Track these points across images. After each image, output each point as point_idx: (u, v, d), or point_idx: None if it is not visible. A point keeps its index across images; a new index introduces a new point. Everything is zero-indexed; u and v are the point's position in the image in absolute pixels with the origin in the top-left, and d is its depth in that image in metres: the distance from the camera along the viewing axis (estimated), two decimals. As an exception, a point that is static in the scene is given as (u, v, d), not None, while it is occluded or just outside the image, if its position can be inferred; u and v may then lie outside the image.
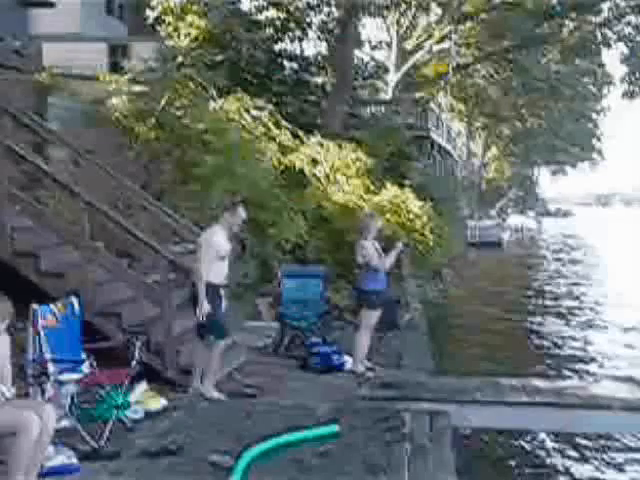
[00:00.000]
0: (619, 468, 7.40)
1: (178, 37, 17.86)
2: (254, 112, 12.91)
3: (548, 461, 7.58)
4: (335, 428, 5.86)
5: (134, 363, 5.91)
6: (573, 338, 14.26)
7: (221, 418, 6.25)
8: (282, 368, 8.17)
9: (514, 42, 29.28)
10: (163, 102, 11.34)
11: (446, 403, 6.75)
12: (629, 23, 27.66)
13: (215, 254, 6.74)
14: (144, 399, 6.32)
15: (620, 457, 7.60)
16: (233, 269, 7.31)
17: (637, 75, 30.79)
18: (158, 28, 18.68)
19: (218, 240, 6.82)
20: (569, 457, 7.66)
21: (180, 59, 14.76)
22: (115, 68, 14.65)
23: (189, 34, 17.97)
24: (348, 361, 8.12)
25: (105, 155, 9.66)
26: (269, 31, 20.48)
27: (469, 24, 31.83)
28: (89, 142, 9.66)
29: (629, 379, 8.11)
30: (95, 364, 5.66)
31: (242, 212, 6.98)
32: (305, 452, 5.35)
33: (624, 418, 6.55)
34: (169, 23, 18.44)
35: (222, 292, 6.91)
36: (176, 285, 7.34)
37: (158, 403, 6.39)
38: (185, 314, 7.10)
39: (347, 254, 8.62)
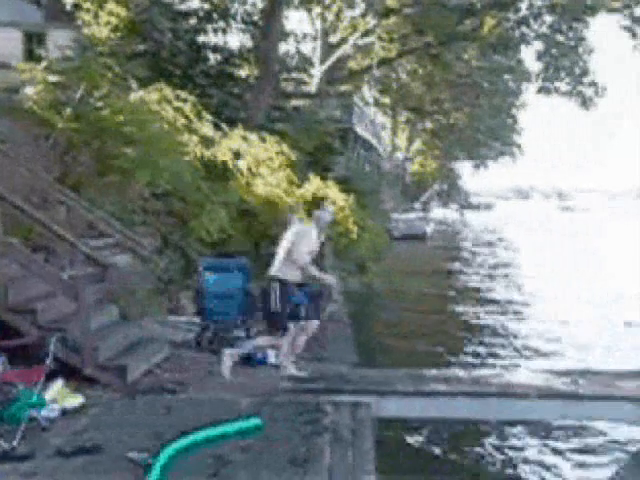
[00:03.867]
0: (538, 451, 7.63)
1: (98, 25, 17.40)
2: (176, 104, 12.70)
3: (468, 449, 7.74)
4: (258, 421, 5.83)
5: (49, 360, 5.74)
6: (494, 328, 14.61)
7: (140, 414, 6.14)
8: (204, 363, 8.09)
9: (437, 38, 29.75)
10: (80, 92, 11.01)
11: (368, 394, 6.81)
12: (544, 22, 28.52)
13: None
14: (60, 397, 6.14)
15: (535, 442, 7.84)
16: (154, 262, 7.20)
17: (551, 72, 31.82)
18: (77, 15, 18.16)
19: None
20: (488, 445, 7.84)
21: (99, 48, 14.38)
22: (31, 56, 14.15)
23: (109, 23, 17.53)
24: (271, 355, 8.10)
25: (19, 146, 9.32)
26: (192, 22, 20.20)
27: (393, 19, 32.18)
28: (1, 132, 9.31)
29: (546, 370, 8.38)
30: (7, 362, 5.48)
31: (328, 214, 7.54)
32: (226, 447, 5.31)
33: (540, 405, 6.76)
34: (88, 10, 17.94)
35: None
36: (94, 280, 7.17)
37: (75, 401, 6.22)
38: (104, 310, 6.95)
39: (270, 247, 8.57)
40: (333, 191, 13.68)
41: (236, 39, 31.83)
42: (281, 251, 7.33)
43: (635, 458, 5.98)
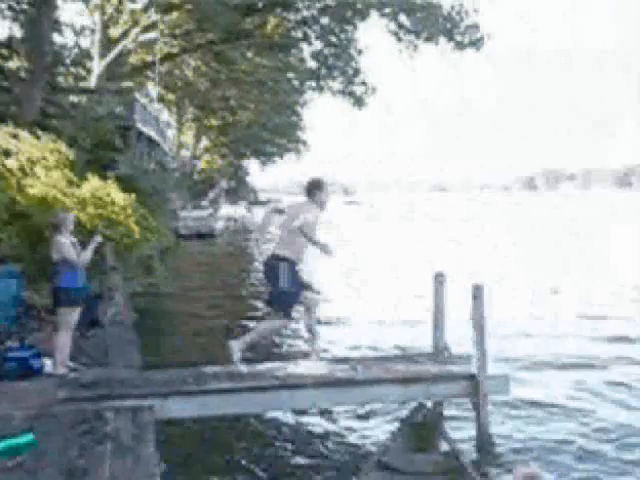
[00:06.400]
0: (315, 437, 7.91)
1: None
2: None
3: (256, 442, 7.84)
4: (30, 436, 5.51)
5: None
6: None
7: None
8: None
9: (220, 35, 29.81)
10: None
11: (151, 397, 6.69)
12: (318, 23, 29.67)
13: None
14: None
15: (315, 429, 8.13)
16: None
17: (324, 71, 33.23)
18: None
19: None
20: (276, 436, 8.01)
21: None
22: None
23: None
24: (48, 364, 7.70)
25: None
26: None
27: (176, 14, 31.78)
28: None
29: (327, 359, 8.69)
30: None
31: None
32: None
33: (319, 393, 7.04)
34: None
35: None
36: None
37: None
38: None
39: (47, 251, 8.12)
40: (114, 190, 13.22)
41: (4, 28, 29.80)
42: (288, 231, 7.29)
43: (398, 433, 6.45)
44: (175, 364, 8.92)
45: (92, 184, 12.83)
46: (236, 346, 7.28)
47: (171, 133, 54.16)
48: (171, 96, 49.72)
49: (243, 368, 7.32)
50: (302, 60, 40.18)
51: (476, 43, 28.26)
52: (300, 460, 7.18)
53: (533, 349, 11.55)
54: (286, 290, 7.20)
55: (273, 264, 7.28)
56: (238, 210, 65.38)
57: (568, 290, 18.36)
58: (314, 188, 7.43)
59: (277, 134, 59.73)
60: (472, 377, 7.23)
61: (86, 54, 28.74)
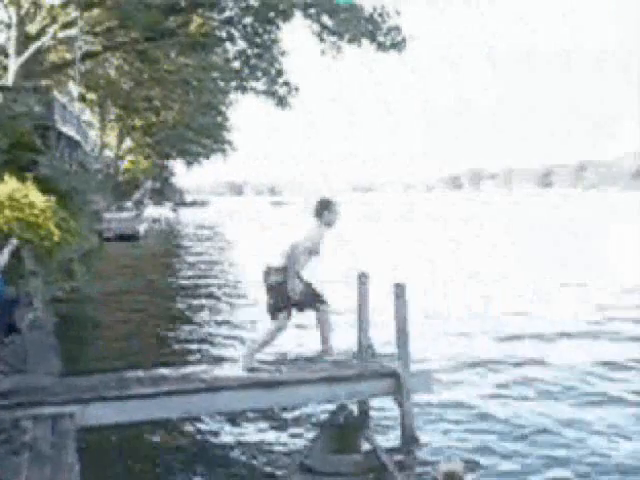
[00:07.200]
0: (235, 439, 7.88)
1: None
2: None
3: (182, 447, 7.76)
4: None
5: None
6: (207, 323, 14.80)
7: None
8: None
9: (143, 33, 29.35)
10: None
11: (72, 404, 6.53)
12: (243, 24, 29.61)
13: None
14: None
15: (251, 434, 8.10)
16: None
17: (247, 71, 33.24)
18: None
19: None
20: (198, 440, 7.94)
21: None
22: None
23: None
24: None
25: None
26: None
27: (97, 11, 31.11)
28: None
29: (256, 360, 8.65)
30: None
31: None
32: None
33: (245, 395, 7.02)
34: None
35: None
36: None
37: None
38: None
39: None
40: (33, 192, 12.84)
41: None
42: (301, 247, 7.51)
43: (320, 434, 6.51)
44: (97, 370, 8.74)
45: (9, 186, 12.43)
46: (247, 358, 7.58)
47: (94, 133, 53.02)
48: (93, 95, 48.67)
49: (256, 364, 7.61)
50: (227, 60, 40.04)
51: (398, 45, 28.71)
52: (223, 465, 7.14)
53: (461, 349, 11.75)
54: (303, 290, 7.52)
55: (275, 277, 7.54)
56: (164, 211, 64.50)
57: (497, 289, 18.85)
58: (323, 209, 7.72)
59: (202, 134, 59.25)
60: (395, 375, 7.34)
61: (1, 50, 27.85)
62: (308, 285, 7.60)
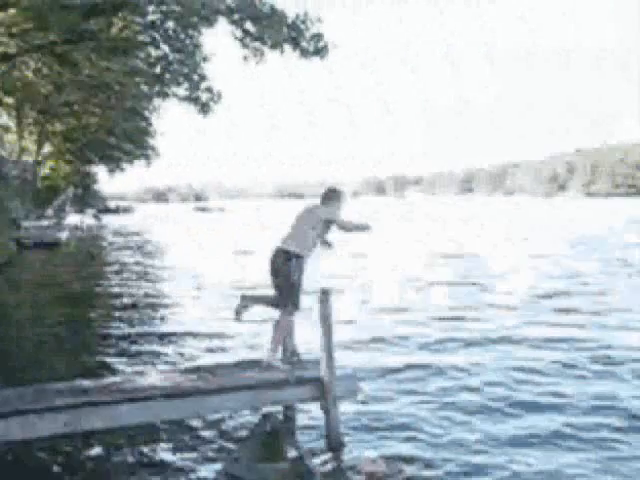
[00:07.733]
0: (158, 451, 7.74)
1: None
2: None
3: (95, 467, 7.54)
4: None
5: None
6: (129, 333, 14.48)
7: None
8: None
9: (61, 36, 28.57)
10: None
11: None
12: (165, 29, 29.26)
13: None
14: None
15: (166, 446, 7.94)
16: None
17: (168, 76, 32.86)
18: None
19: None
20: (116, 457, 7.74)
21: None
22: None
23: None
24: None
25: None
26: None
27: (12, 11, 30.12)
28: None
29: (177, 370, 8.54)
30: None
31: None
32: None
33: (163, 406, 6.86)
34: None
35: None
36: None
37: None
38: None
39: None
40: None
41: None
42: (305, 228, 7.60)
43: (246, 443, 6.45)
44: (14, 383, 8.44)
45: None
46: (271, 358, 7.69)
47: (10, 138, 51.37)
48: (9, 99, 47.16)
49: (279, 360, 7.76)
50: (151, 65, 39.45)
51: (320, 51, 28.99)
52: (145, 477, 6.99)
53: (388, 356, 11.81)
54: (295, 283, 7.56)
55: (283, 259, 7.58)
56: (86, 218, 63.07)
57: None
58: (332, 197, 7.81)
59: (125, 140, 58.16)
60: (319, 380, 7.34)
61: None
62: (299, 283, 7.64)
